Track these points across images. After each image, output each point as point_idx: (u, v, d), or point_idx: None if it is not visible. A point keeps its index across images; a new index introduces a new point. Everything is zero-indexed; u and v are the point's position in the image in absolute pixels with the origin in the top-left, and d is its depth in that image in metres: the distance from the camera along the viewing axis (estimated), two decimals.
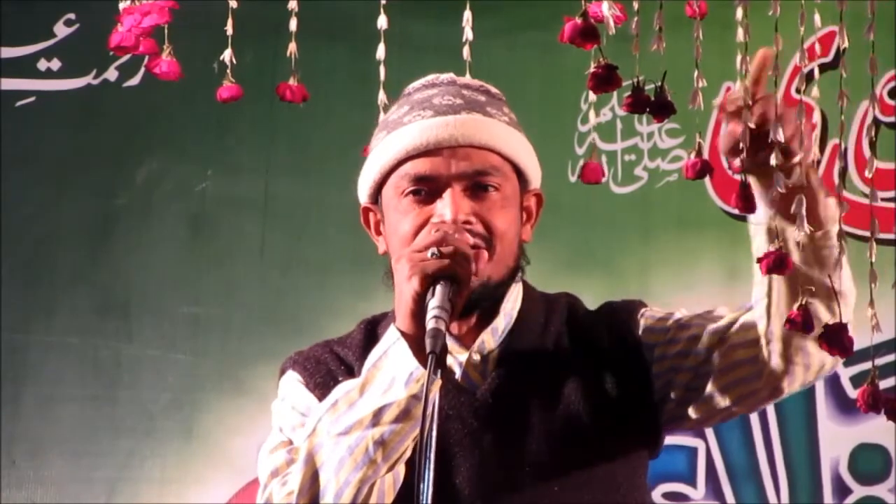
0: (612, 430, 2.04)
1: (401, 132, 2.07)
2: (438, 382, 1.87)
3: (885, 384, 1.68)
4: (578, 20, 1.58)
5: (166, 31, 1.94)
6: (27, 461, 4.14)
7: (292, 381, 2.13)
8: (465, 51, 2.18)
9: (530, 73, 4.28)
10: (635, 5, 1.65)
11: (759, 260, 1.63)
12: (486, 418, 2.03)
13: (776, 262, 1.61)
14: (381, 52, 2.16)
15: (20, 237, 4.22)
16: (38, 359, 4.18)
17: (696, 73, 1.67)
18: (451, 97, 2.09)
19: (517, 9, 4.22)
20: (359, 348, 2.11)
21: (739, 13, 1.69)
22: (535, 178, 2.14)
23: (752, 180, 1.84)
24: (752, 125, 1.72)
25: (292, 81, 2.12)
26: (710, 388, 2.03)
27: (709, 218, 4.21)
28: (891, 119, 4.17)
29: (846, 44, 1.62)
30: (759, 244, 1.93)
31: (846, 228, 1.62)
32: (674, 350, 2.05)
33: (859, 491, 4.13)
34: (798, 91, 1.65)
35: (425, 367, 1.82)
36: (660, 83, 1.64)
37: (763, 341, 1.98)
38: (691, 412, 2.06)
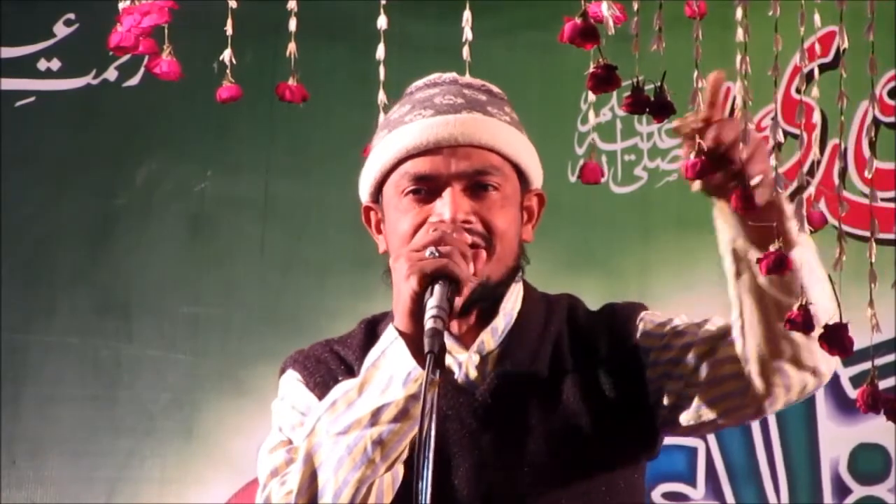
0: (610, 432, 2.04)
1: (401, 131, 2.07)
2: (437, 382, 1.86)
3: (884, 384, 1.67)
4: (578, 20, 1.58)
5: (166, 31, 1.94)
6: (27, 461, 4.14)
7: (292, 381, 2.13)
8: (465, 51, 2.18)
9: (530, 73, 4.28)
10: (635, 5, 1.65)
11: (759, 260, 1.62)
12: (484, 418, 2.03)
13: (776, 263, 1.61)
14: (380, 52, 2.16)
15: (20, 237, 4.22)
16: (38, 359, 4.19)
17: (695, 73, 1.67)
18: (452, 96, 2.09)
19: (517, 9, 4.22)
20: (359, 348, 2.11)
21: (739, 13, 1.69)
22: (537, 178, 2.14)
23: (715, 203, 1.85)
24: (706, 148, 1.72)
25: (292, 81, 2.12)
26: (697, 399, 2.01)
27: (709, 218, 4.17)
28: (891, 119, 4.16)
29: (846, 44, 1.62)
30: (727, 264, 1.92)
31: (846, 228, 1.62)
32: (666, 357, 2.04)
33: (859, 491, 4.13)
34: (798, 91, 1.65)
35: (424, 366, 1.82)
36: (659, 83, 1.63)
37: (742, 361, 1.97)
38: (682, 419, 2.04)
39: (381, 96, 2.18)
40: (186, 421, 4.19)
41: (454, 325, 2.07)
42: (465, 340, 2.09)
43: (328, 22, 4.07)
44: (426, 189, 2.04)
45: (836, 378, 4.08)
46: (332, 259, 4.24)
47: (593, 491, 2.04)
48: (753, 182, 1.76)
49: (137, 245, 4.27)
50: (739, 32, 1.68)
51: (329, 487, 1.93)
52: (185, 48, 2.00)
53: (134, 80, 4.30)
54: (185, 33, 1.96)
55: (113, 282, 4.25)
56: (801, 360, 1.92)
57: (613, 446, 2.06)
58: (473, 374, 2.07)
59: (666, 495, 4.17)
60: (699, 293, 4.08)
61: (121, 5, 1.94)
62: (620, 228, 4.27)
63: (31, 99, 4.29)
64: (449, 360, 2.05)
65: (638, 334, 2.08)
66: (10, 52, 4.29)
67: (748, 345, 1.93)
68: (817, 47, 1.85)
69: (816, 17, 1.74)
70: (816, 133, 3.98)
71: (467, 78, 2.14)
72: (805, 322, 1.61)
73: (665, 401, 2.04)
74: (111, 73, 4.31)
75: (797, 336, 1.87)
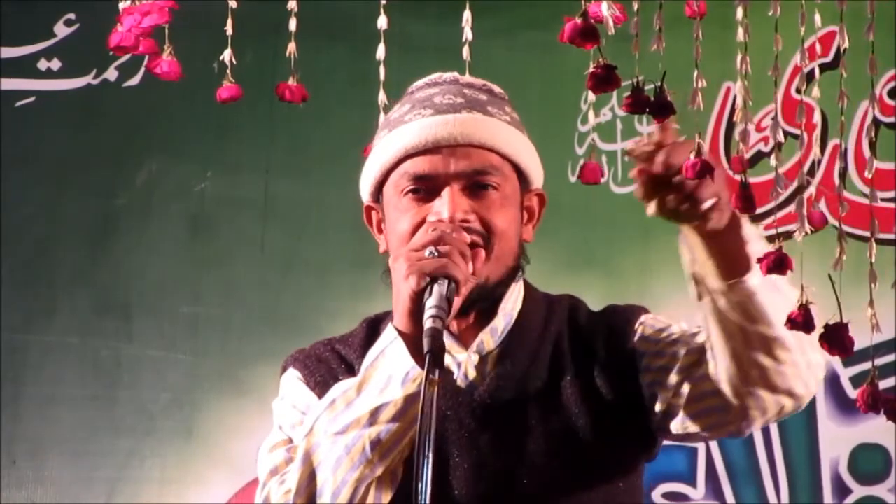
0: (609, 433, 2.04)
1: (401, 130, 2.07)
2: (436, 382, 1.86)
3: (884, 384, 1.67)
4: (578, 20, 1.58)
5: (166, 31, 1.94)
6: (27, 461, 4.14)
7: (293, 379, 2.13)
8: (465, 51, 2.18)
9: (530, 73, 4.28)
10: (635, 5, 1.65)
11: (759, 260, 1.62)
12: (483, 419, 2.03)
13: (775, 263, 1.61)
14: (380, 52, 2.16)
15: (20, 237, 4.22)
16: (38, 359, 4.18)
17: (695, 73, 1.66)
18: (452, 96, 2.08)
19: (517, 9, 4.22)
20: (360, 347, 2.11)
21: (739, 13, 1.69)
22: (537, 178, 2.14)
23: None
24: (657, 171, 1.73)
25: (292, 81, 2.12)
26: (682, 412, 2.00)
27: None
28: (891, 119, 4.16)
29: (846, 44, 1.62)
30: (690, 288, 1.91)
31: (846, 228, 1.62)
32: (657, 364, 2.03)
33: (859, 491, 4.13)
34: (798, 91, 1.65)
35: (423, 366, 1.81)
36: (659, 83, 1.63)
37: (716, 382, 1.94)
38: (672, 427, 2.02)
39: (381, 96, 2.18)
40: (186, 421, 4.19)
41: (454, 325, 2.07)
42: (465, 340, 2.09)
43: (328, 22, 4.07)
44: (425, 188, 2.04)
45: (836, 378, 4.09)
46: (332, 259, 4.24)
47: (592, 491, 2.04)
48: (705, 206, 1.76)
49: (137, 245, 4.27)
50: (739, 32, 1.68)
51: (327, 487, 1.93)
52: (185, 48, 2.00)
53: (134, 80, 4.30)
54: (185, 33, 1.97)
55: (113, 282, 4.25)
56: (773, 383, 1.89)
57: (612, 447, 2.05)
58: (473, 374, 2.07)
59: (666, 495, 4.17)
60: None
61: (121, 5, 1.94)
62: (620, 228, 4.27)
63: (32, 99, 4.29)
64: (448, 360, 2.05)
65: (636, 338, 2.07)
66: (10, 52, 4.29)
67: (719, 367, 1.91)
68: (817, 47, 1.85)
69: (816, 17, 1.74)
70: (817, 133, 3.97)
71: (468, 78, 2.14)
72: (805, 321, 1.60)
73: (657, 407, 2.02)
74: (111, 73, 4.31)
75: (765, 360, 1.86)
